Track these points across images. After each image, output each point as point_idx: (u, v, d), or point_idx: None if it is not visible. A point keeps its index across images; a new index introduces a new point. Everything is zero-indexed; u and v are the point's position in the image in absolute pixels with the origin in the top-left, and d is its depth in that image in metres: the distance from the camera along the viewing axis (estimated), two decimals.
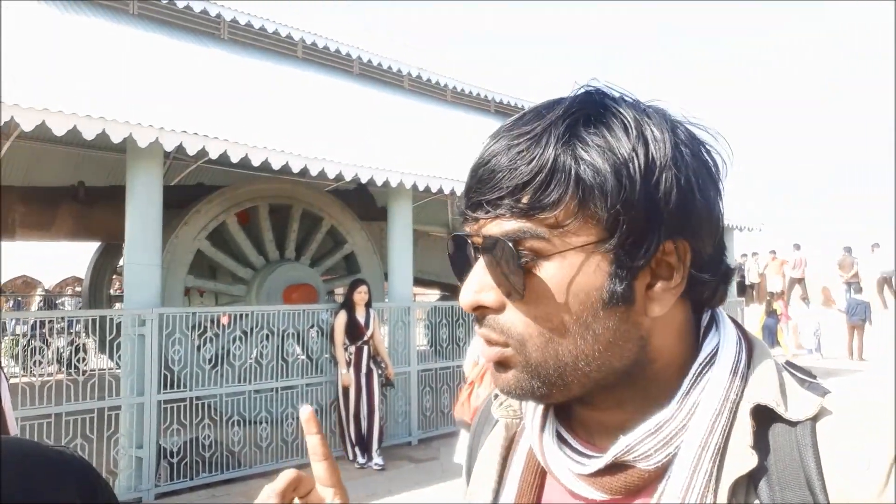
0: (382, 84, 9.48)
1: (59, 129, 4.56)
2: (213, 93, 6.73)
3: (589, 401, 0.61)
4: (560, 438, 0.64)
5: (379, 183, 6.41)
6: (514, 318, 0.57)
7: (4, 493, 0.84)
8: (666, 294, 0.57)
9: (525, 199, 0.54)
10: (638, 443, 0.57)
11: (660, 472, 0.57)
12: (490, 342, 0.59)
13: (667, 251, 0.56)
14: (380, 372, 6.15)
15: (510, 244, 0.55)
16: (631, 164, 0.54)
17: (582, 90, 0.60)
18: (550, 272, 0.55)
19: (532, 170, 0.54)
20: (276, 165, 5.71)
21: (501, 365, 0.59)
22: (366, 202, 8.89)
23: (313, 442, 0.65)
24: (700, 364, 0.59)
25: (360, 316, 6.12)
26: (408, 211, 7.16)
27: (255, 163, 5.61)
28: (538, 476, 0.67)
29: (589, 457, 0.61)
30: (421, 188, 6.71)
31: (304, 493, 0.63)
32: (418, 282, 8.96)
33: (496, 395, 0.75)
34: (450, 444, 6.71)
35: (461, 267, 0.63)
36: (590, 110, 0.57)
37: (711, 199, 0.58)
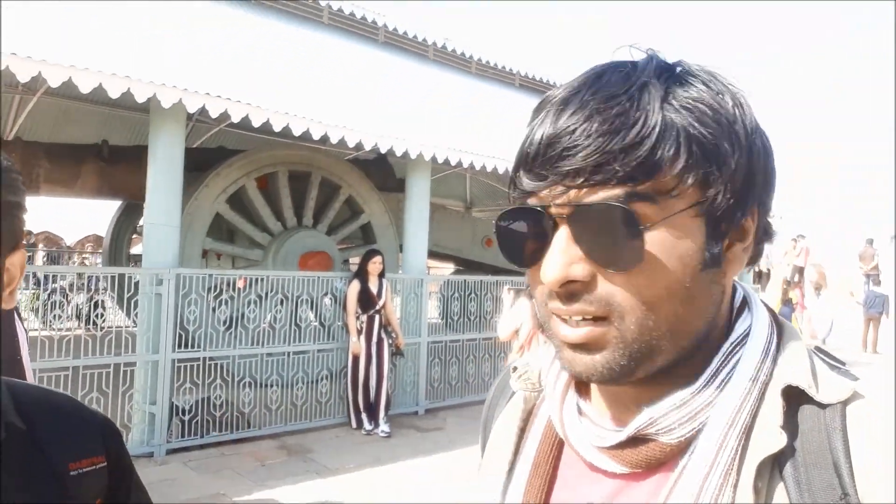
0: (407, 53, 9.40)
1: (85, 87, 4.60)
2: (237, 57, 6.73)
3: (644, 378, 0.58)
4: (580, 412, 0.64)
5: (399, 153, 6.41)
6: (612, 290, 0.54)
7: (39, 438, 0.88)
8: (742, 255, 0.59)
9: (635, 163, 0.52)
10: (662, 416, 0.57)
11: (681, 448, 0.57)
12: (585, 316, 0.55)
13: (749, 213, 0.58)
14: (390, 341, 6.21)
15: (625, 208, 0.52)
16: (736, 125, 0.55)
17: (643, 57, 0.59)
18: (657, 238, 0.53)
19: (640, 131, 0.52)
20: (296, 131, 5.72)
21: (589, 347, 0.56)
22: (385, 173, 8.89)
23: None
24: (732, 343, 0.59)
25: (374, 286, 6.17)
26: (426, 183, 7.16)
27: (277, 128, 5.62)
28: (555, 447, 0.67)
29: (610, 430, 0.61)
30: (440, 160, 6.69)
31: None
32: (433, 255, 8.99)
33: (515, 368, 0.75)
34: (456, 415, 6.80)
35: (524, 243, 0.59)
36: (674, 72, 0.56)
37: (773, 162, 0.60)
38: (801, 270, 16.27)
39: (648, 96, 0.53)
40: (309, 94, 6.63)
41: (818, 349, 0.61)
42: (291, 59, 7.40)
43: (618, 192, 0.52)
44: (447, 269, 12.80)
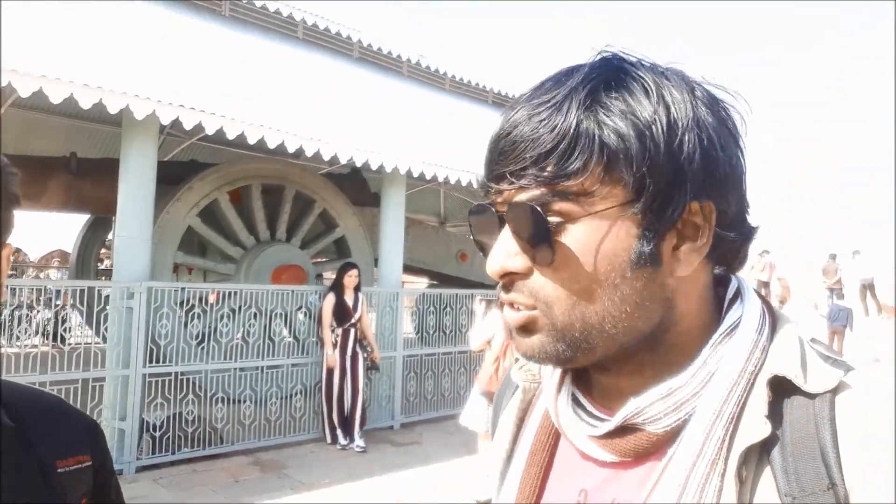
0: (381, 69, 9.45)
1: (56, 97, 4.54)
2: (211, 70, 6.69)
3: (609, 366, 0.61)
4: (575, 402, 0.65)
5: (374, 167, 6.41)
6: (541, 282, 0.58)
7: (28, 436, 0.89)
8: (692, 255, 0.58)
9: (550, 168, 0.55)
10: (648, 406, 0.58)
11: (670, 437, 0.58)
12: (517, 306, 0.60)
13: (692, 211, 0.57)
14: (365, 355, 6.18)
15: (538, 208, 0.56)
16: (654, 127, 0.55)
17: (599, 56, 0.60)
18: (577, 236, 0.56)
19: (555, 138, 0.55)
20: (271, 144, 5.70)
21: (526, 329, 0.60)
22: (359, 187, 8.88)
23: None
24: (721, 334, 0.59)
25: (349, 299, 6.15)
26: (401, 197, 7.17)
27: (251, 140, 5.59)
28: (551, 437, 0.68)
29: (601, 419, 0.62)
30: (416, 174, 6.72)
31: None
32: (408, 269, 8.97)
33: (517, 360, 0.76)
34: (432, 429, 6.77)
35: (484, 237, 0.63)
36: (609, 75, 0.57)
37: (734, 158, 0.59)
38: (765, 285, 16.63)
39: (569, 103, 0.56)
40: (283, 107, 6.61)
41: (814, 340, 0.61)
42: (266, 74, 7.39)
43: (538, 192, 0.56)
44: (421, 283, 12.80)
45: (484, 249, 0.63)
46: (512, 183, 0.57)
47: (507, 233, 0.59)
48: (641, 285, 0.57)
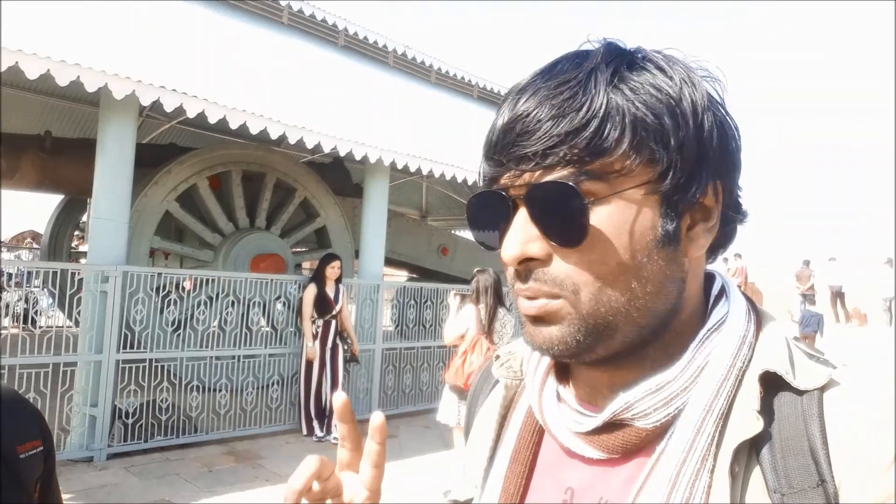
0: (367, 58, 9.36)
1: (32, 73, 4.40)
2: (194, 53, 6.56)
3: (612, 359, 0.59)
4: (559, 398, 0.64)
5: (358, 157, 6.34)
6: (565, 268, 0.56)
7: None
8: (705, 234, 0.59)
9: (581, 146, 0.54)
10: (637, 401, 0.57)
11: (658, 433, 0.57)
12: (538, 296, 0.57)
13: (708, 191, 0.58)
14: (345, 347, 6.13)
15: (569, 185, 0.54)
16: (683, 104, 0.55)
17: (600, 42, 0.60)
18: (606, 215, 0.55)
19: (586, 114, 0.54)
20: (254, 130, 5.60)
21: (545, 320, 0.58)
22: (341, 177, 8.80)
23: (371, 449, 0.61)
24: (708, 329, 0.59)
25: (331, 291, 6.09)
26: (384, 189, 7.12)
27: (233, 125, 5.49)
28: (536, 434, 0.67)
29: (587, 415, 0.61)
30: (400, 167, 6.66)
31: (326, 477, 0.59)
32: (388, 262, 8.92)
33: (497, 356, 0.75)
34: (409, 423, 6.75)
35: (487, 227, 0.61)
36: (625, 56, 0.58)
37: (738, 138, 0.60)
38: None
39: (594, 81, 0.55)
40: (266, 93, 6.51)
41: (796, 338, 0.61)
42: (249, 58, 7.27)
43: (566, 172, 0.54)
44: (401, 276, 12.76)
45: (486, 239, 0.61)
46: (537, 164, 0.55)
47: (523, 218, 0.57)
48: (664, 264, 0.57)
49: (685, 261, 0.58)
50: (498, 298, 4.58)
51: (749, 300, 0.64)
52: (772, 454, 0.53)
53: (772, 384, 0.55)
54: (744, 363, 0.57)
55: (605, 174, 0.54)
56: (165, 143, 8.25)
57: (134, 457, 5.04)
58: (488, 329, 4.49)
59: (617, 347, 0.58)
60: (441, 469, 5.29)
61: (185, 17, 7.22)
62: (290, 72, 7.61)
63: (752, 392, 0.55)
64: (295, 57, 8.13)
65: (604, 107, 0.54)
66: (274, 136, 5.75)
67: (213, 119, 5.36)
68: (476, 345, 4.40)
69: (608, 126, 0.53)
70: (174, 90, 5.11)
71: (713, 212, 0.58)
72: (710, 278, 0.65)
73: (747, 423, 0.54)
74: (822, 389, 0.54)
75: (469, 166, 7.20)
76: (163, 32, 6.57)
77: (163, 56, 5.95)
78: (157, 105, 5.17)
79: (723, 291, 0.63)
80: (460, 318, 4.69)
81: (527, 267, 0.57)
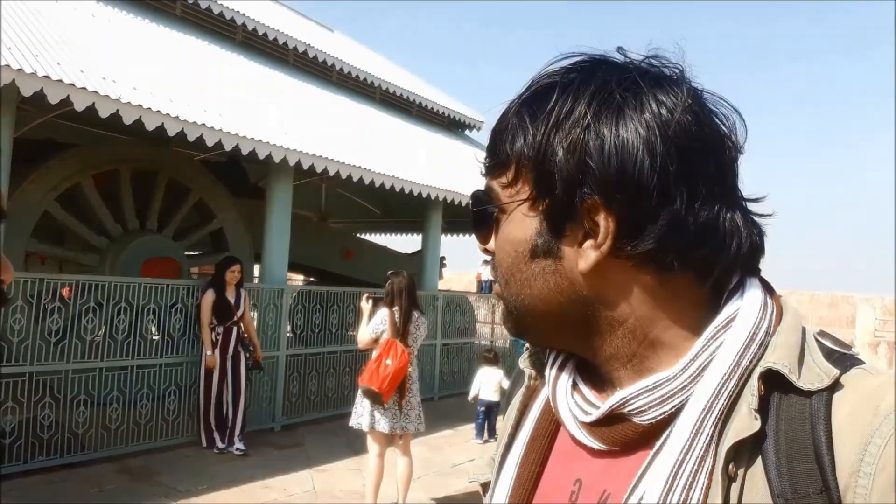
0: (265, 56, 9.06)
1: None
2: (78, 44, 6.08)
3: (580, 353, 0.65)
4: (575, 388, 0.65)
5: (261, 157, 6.13)
6: (496, 261, 0.66)
7: None
8: (590, 251, 0.57)
9: (491, 161, 0.64)
10: (632, 397, 0.57)
11: (658, 429, 0.57)
12: (494, 279, 0.68)
13: (592, 211, 0.57)
14: (247, 355, 5.89)
15: (478, 192, 0.66)
16: (565, 124, 0.58)
17: (554, 61, 0.64)
18: (502, 223, 0.64)
19: (492, 135, 0.64)
20: (150, 126, 5.26)
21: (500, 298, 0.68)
22: (238, 177, 8.47)
23: None
24: (715, 327, 0.57)
25: (231, 295, 5.84)
26: (288, 190, 6.92)
27: (127, 121, 5.14)
28: (553, 423, 0.68)
29: (594, 405, 0.62)
30: (305, 167, 6.50)
31: None
32: (290, 265, 8.68)
33: (527, 348, 0.76)
34: (315, 431, 6.58)
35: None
36: (536, 81, 0.63)
37: (638, 160, 0.55)
38: None
39: (509, 105, 0.63)
40: (159, 87, 6.13)
41: (824, 334, 0.59)
42: (140, 53, 6.83)
43: (485, 182, 0.66)
44: (298, 279, 12.45)
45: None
46: (483, 172, 0.67)
47: None
48: (542, 275, 0.61)
49: (576, 276, 0.58)
50: (412, 301, 4.55)
51: (769, 291, 0.62)
52: (777, 456, 0.52)
53: (779, 383, 0.54)
54: (751, 361, 0.55)
55: (502, 187, 0.63)
56: (43, 138, 7.60)
57: (13, 480, 4.57)
58: (403, 332, 4.45)
59: (544, 339, 0.67)
60: (351, 475, 5.20)
61: (69, 8, 6.68)
62: (184, 67, 7.22)
63: (752, 391, 0.54)
64: (189, 52, 7.73)
65: (501, 129, 0.63)
66: (171, 133, 5.44)
67: (104, 114, 4.99)
68: (391, 348, 4.35)
69: (498, 146, 0.63)
70: (60, 80, 4.72)
71: (604, 231, 0.56)
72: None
73: (745, 422, 0.53)
74: (832, 390, 0.52)
75: (373, 168, 7.12)
76: (45, 22, 6.05)
77: (44, 45, 5.47)
78: (38, 96, 4.74)
79: (738, 287, 0.61)
80: (373, 321, 4.62)
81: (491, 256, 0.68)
